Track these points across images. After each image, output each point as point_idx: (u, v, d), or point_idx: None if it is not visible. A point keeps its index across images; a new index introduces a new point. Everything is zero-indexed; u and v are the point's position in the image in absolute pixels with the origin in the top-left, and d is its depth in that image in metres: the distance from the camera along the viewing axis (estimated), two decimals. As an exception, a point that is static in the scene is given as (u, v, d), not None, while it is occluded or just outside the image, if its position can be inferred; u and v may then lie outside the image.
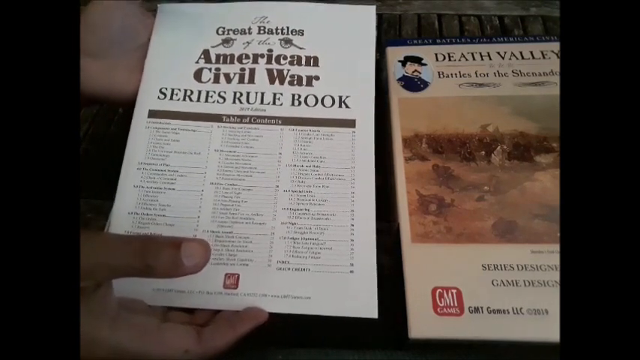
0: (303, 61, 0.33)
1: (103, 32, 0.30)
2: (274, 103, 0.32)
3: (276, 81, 0.33)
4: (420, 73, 0.33)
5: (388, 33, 0.44)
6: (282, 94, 0.32)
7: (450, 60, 0.34)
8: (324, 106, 0.32)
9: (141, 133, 0.31)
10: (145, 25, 0.33)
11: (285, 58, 0.33)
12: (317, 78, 0.33)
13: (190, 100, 0.32)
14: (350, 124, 0.31)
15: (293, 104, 0.32)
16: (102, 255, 0.20)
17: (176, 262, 0.21)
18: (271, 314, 0.25)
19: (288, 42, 0.34)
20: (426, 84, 0.33)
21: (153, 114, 0.31)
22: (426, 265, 0.26)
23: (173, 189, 0.29)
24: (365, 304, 0.25)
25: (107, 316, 0.21)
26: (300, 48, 0.34)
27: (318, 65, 0.33)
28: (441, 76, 0.33)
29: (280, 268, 0.27)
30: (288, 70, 0.33)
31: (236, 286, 0.26)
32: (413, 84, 0.33)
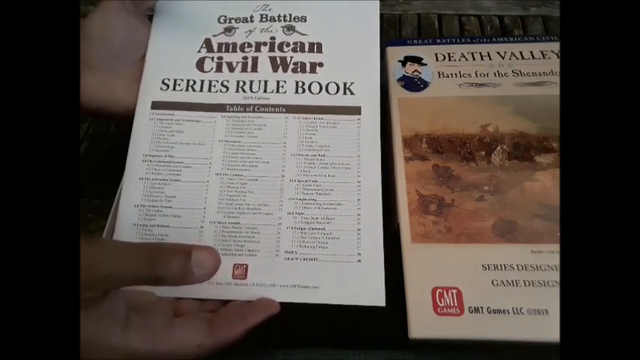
0: (307, 48, 0.33)
1: (102, 45, 0.30)
2: (278, 91, 0.32)
3: (280, 69, 0.32)
4: (420, 73, 0.33)
5: (388, 33, 0.44)
6: (285, 81, 0.32)
7: (450, 60, 0.34)
8: (328, 93, 0.31)
9: (145, 125, 0.30)
10: (146, 37, 0.33)
11: (287, 45, 0.33)
12: (320, 65, 0.32)
13: (193, 90, 0.32)
14: (355, 111, 0.31)
15: (297, 92, 0.32)
16: (108, 266, 0.19)
17: (186, 271, 0.21)
18: (280, 306, 0.25)
19: (290, 29, 0.34)
20: (426, 84, 0.33)
21: (156, 105, 0.31)
22: (426, 265, 0.26)
23: (179, 180, 0.29)
24: (373, 293, 0.26)
25: (117, 321, 0.21)
26: (303, 34, 0.33)
27: (321, 51, 0.33)
28: (441, 76, 0.33)
29: (288, 258, 0.27)
30: (292, 58, 0.33)
31: (245, 276, 0.27)
32: (413, 84, 0.33)
